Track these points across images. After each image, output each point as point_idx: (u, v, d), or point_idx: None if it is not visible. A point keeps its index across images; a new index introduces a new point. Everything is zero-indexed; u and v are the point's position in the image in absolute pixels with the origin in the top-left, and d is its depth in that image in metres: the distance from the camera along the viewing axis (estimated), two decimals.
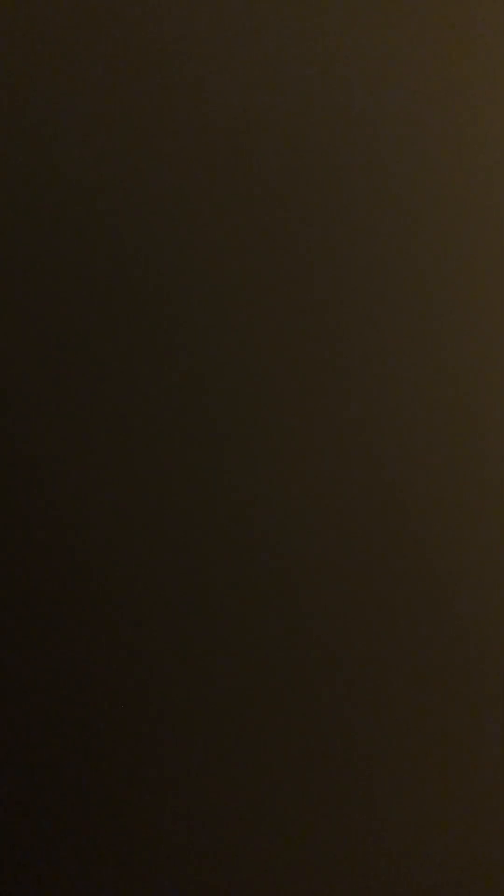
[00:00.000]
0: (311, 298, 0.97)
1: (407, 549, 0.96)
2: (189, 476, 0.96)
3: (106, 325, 0.96)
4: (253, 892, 0.94)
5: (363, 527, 0.96)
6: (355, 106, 0.97)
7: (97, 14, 0.97)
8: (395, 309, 0.97)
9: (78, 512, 0.95)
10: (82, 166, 0.96)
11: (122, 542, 0.95)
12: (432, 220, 0.97)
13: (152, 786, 0.94)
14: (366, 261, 0.97)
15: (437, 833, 0.95)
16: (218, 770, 0.95)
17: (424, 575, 0.96)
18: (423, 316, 0.97)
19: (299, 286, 0.97)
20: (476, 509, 0.96)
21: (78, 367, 0.96)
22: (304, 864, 0.95)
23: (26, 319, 0.96)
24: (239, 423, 0.96)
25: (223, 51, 0.97)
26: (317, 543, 0.96)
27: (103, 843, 0.94)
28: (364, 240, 0.97)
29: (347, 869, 0.94)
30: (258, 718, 0.95)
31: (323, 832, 0.95)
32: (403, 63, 0.97)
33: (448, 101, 0.98)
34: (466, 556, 0.96)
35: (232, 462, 0.96)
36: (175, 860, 0.94)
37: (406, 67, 0.97)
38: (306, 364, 0.96)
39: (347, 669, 0.95)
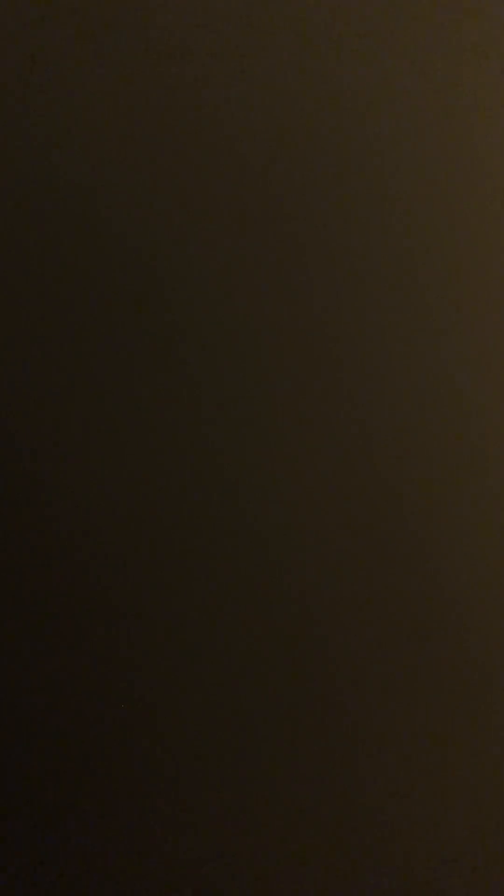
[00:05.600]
0: (311, 299, 0.97)
1: (407, 549, 0.96)
2: (189, 477, 0.95)
3: (105, 328, 0.96)
4: (253, 886, 0.94)
5: (363, 528, 0.96)
6: (356, 102, 0.98)
7: (98, 13, 0.97)
8: (397, 312, 0.97)
9: (78, 515, 0.95)
10: (82, 167, 0.96)
11: (122, 541, 0.95)
12: (432, 222, 0.98)
13: (151, 779, 0.94)
14: (366, 262, 0.97)
15: (437, 822, 0.95)
16: (218, 764, 0.94)
17: (423, 571, 0.96)
18: (424, 318, 0.97)
19: (299, 289, 0.97)
20: (476, 509, 0.97)
21: (77, 370, 0.95)
22: (304, 859, 0.94)
23: (25, 318, 0.96)
24: (238, 423, 0.96)
25: (223, 53, 0.97)
26: (316, 544, 0.96)
27: (103, 831, 0.94)
28: (365, 239, 0.97)
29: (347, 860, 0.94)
30: (258, 719, 0.95)
31: (322, 826, 0.94)
32: (405, 62, 0.98)
33: (449, 100, 0.98)
34: (467, 555, 0.96)
35: (232, 463, 0.96)
36: (175, 852, 0.94)
37: (407, 67, 0.98)
38: (306, 366, 0.96)
39: (347, 668, 0.95)
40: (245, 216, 0.97)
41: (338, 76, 0.97)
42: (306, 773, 0.94)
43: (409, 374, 0.97)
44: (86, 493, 0.94)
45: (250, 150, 0.97)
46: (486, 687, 0.96)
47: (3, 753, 0.93)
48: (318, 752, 0.95)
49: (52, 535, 0.94)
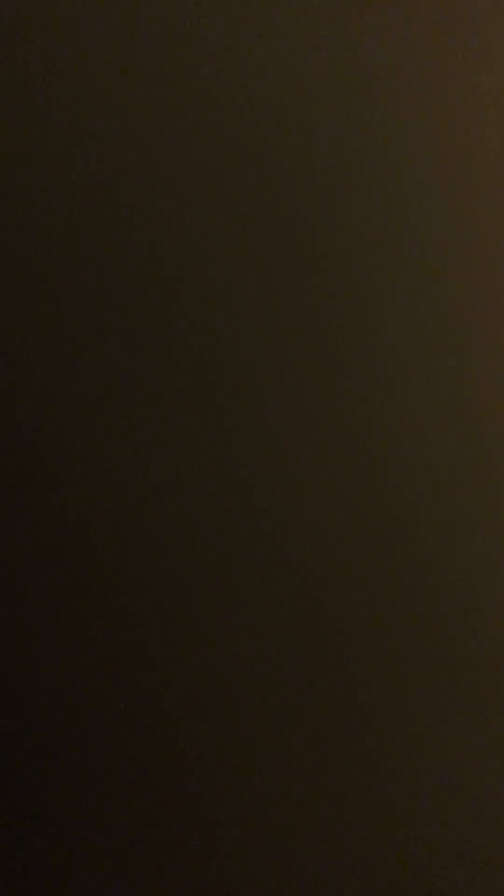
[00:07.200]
0: (312, 296, 0.97)
1: (407, 543, 0.96)
2: (191, 473, 0.96)
3: (107, 325, 0.96)
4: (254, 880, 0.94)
5: (364, 525, 0.96)
6: (357, 95, 0.97)
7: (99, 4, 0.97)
8: (397, 308, 0.97)
9: (81, 513, 0.95)
10: (84, 158, 0.96)
11: (124, 537, 0.95)
12: (433, 217, 0.97)
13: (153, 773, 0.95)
14: (367, 256, 0.97)
15: (439, 815, 0.95)
16: (220, 758, 0.95)
17: (423, 566, 0.96)
18: (425, 315, 0.97)
19: (300, 286, 0.97)
20: (477, 508, 0.96)
21: (79, 370, 0.96)
22: (305, 853, 0.95)
23: (26, 315, 0.96)
24: (241, 421, 0.96)
25: (226, 36, 0.97)
26: (318, 540, 0.96)
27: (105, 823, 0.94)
28: (365, 232, 0.97)
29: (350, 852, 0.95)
30: (259, 712, 0.95)
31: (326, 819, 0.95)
32: (405, 52, 0.97)
33: (449, 93, 0.98)
34: (467, 553, 0.96)
35: (235, 460, 0.96)
36: (177, 846, 0.94)
37: (408, 58, 0.97)
38: (308, 361, 0.96)
39: (348, 664, 0.95)
40: (244, 217, 0.97)
41: (340, 61, 0.97)
42: (307, 769, 0.95)
43: (410, 364, 0.97)
44: (89, 487, 0.95)
45: (250, 144, 0.97)
46: (487, 679, 0.96)
47: (3, 752, 0.93)
48: (319, 743, 0.95)
49: (54, 531, 0.94)
